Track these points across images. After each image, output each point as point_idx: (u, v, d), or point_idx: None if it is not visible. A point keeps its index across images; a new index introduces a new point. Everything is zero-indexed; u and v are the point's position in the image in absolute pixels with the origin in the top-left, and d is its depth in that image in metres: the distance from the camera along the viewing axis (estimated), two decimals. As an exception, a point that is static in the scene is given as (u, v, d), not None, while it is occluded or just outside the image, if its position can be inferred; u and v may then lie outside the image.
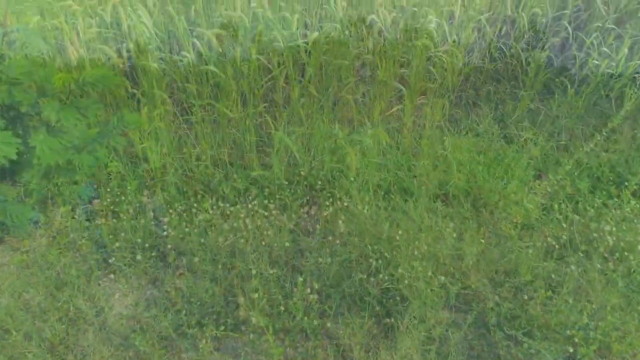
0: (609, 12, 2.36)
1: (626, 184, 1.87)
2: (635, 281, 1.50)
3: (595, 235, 1.63)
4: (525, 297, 1.44)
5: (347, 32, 2.10)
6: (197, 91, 2.02)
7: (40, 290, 1.56)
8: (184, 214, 1.77)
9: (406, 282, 1.44)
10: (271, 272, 1.50)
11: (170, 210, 1.76)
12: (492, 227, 1.71)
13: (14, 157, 1.39)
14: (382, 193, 1.82)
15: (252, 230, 1.65)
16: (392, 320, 1.44)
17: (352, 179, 1.80)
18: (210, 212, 1.74)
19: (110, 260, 1.63)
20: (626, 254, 1.56)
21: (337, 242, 1.59)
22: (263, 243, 1.62)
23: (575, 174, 1.91)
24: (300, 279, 1.45)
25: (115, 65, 2.06)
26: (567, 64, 2.50)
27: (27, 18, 1.94)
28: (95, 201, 1.87)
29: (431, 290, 1.44)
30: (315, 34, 2.01)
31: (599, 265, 1.51)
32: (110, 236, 1.69)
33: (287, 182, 1.85)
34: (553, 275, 1.50)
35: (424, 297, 1.43)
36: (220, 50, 1.94)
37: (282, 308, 1.45)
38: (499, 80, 2.48)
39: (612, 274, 1.50)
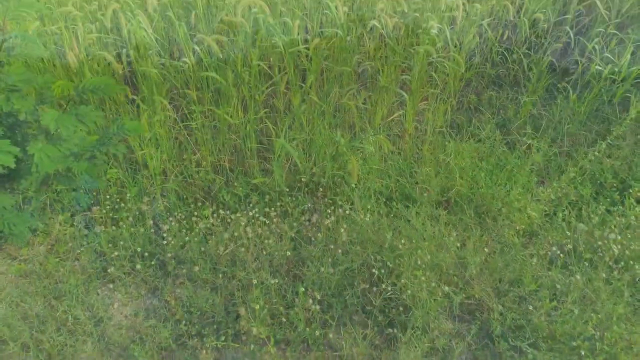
0: (610, 17, 2.35)
1: (630, 190, 1.85)
2: (641, 290, 1.48)
3: (599, 243, 1.61)
4: (530, 307, 1.42)
5: (348, 38, 2.09)
6: (198, 97, 2.01)
7: (38, 299, 1.54)
8: (184, 222, 1.75)
9: (409, 291, 1.43)
10: (272, 281, 1.48)
11: (170, 218, 1.75)
12: (495, 235, 1.69)
13: (12, 165, 1.38)
14: (384, 200, 1.80)
15: (253, 239, 1.63)
16: (395, 330, 1.42)
17: (353, 185, 1.78)
18: (211, 219, 1.72)
19: (109, 269, 1.61)
20: (631, 262, 1.55)
21: (339, 250, 1.58)
22: (264, 252, 1.61)
23: (579, 180, 1.89)
24: (302, 288, 1.44)
25: (115, 71, 2.05)
26: (569, 69, 2.49)
27: (27, 24, 1.93)
28: (95, 208, 1.85)
29: (434, 300, 1.42)
30: (317, 39, 1.99)
31: (604, 274, 1.49)
32: (110, 245, 1.68)
33: (288, 189, 1.84)
34: (558, 285, 1.48)
35: (427, 307, 1.41)
36: (221, 56, 1.93)
37: (284, 319, 1.43)
38: (501, 86, 2.47)
39: (617, 283, 1.49)
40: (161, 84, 2.01)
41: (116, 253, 1.63)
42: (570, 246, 1.62)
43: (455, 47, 2.17)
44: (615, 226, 1.68)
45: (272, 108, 2.14)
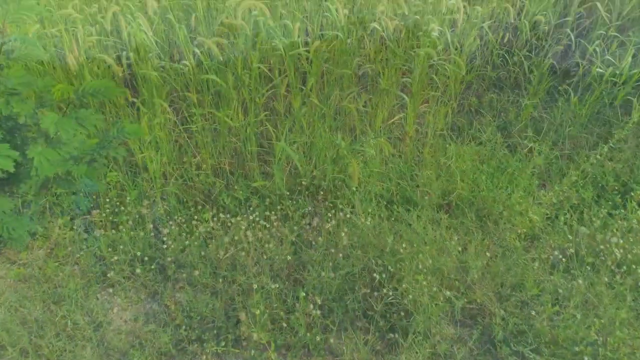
0: (611, 20, 2.35)
1: (632, 193, 1.84)
2: (644, 295, 1.48)
3: (601, 247, 1.61)
4: (532, 312, 1.41)
5: (349, 41, 2.09)
6: (198, 100, 2.00)
7: (37, 304, 1.53)
8: (184, 225, 1.74)
9: (410, 296, 1.42)
10: (273, 286, 1.48)
11: (170, 222, 1.74)
12: (497, 239, 1.68)
13: (12, 169, 1.37)
14: (385, 203, 1.80)
15: (253, 243, 1.62)
16: (396, 335, 1.41)
17: (354, 189, 1.77)
18: (211, 223, 1.71)
19: (108, 274, 1.60)
20: (634, 266, 1.54)
21: (340, 254, 1.57)
22: (264, 256, 1.60)
23: (580, 183, 1.89)
24: (303, 293, 1.43)
25: (115, 74, 2.04)
26: (570, 72, 2.48)
27: (27, 27, 1.92)
28: (94, 212, 1.84)
29: (436, 304, 1.41)
30: (317, 42, 1.99)
31: (606, 279, 1.48)
32: (109, 249, 1.67)
33: (288, 192, 1.83)
34: (560, 290, 1.47)
35: (428, 312, 1.40)
36: (221, 59, 1.93)
37: (285, 324, 1.42)
38: (502, 88, 2.47)
39: (619, 287, 1.48)
40: (161, 86, 2.01)
41: (116, 257, 1.62)
42: (572, 250, 1.61)
43: (455, 49, 2.16)
44: (617, 230, 1.67)
45: (273, 111, 2.13)
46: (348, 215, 1.70)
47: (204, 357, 1.38)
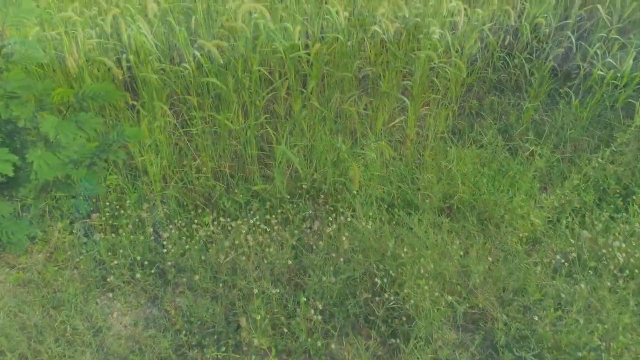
0: (612, 22, 2.34)
1: (633, 197, 1.84)
2: (646, 299, 1.47)
3: (604, 251, 1.60)
4: (535, 317, 1.40)
5: (349, 43, 2.08)
6: (198, 103, 2.00)
7: (36, 309, 1.52)
8: (184, 229, 1.73)
9: (412, 301, 1.41)
10: (274, 291, 1.47)
11: (170, 226, 1.73)
12: (499, 243, 1.67)
13: (11, 174, 1.36)
14: (386, 206, 1.79)
15: (254, 247, 1.62)
16: (398, 341, 1.41)
17: (355, 192, 1.77)
18: (211, 227, 1.70)
19: (108, 278, 1.59)
20: (636, 271, 1.53)
21: (341, 259, 1.56)
22: (265, 261, 1.59)
23: (582, 187, 1.88)
24: (304, 298, 1.42)
25: (115, 76, 2.04)
26: (570, 74, 2.48)
27: (27, 30, 1.91)
28: (94, 215, 1.83)
29: (437, 309, 1.41)
30: (318, 44, 1.98)
31: (608, 283, 1.48)
32: (109, 253, 1.66)
33: (289, 196, 1.82)
34: (562, 294, 1.46)
35: (430, 317, 1.39)
36: (221, 62, 1.92)
37: (285, 329, 1.41)
38: (502, 91, 2.46)
39: (622, 292, 1.47)
40: (161, 89, 2.00)
41: (115, 261, 1.61)
42: (574, 254, 1.60)
43: (456, 52, 2.16)
44: (619, 233, 1.67)
45: (273, 114, 2.13)
46: (349, 219, 1.69)
47: (204, 362, 1.37)
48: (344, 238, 1.60)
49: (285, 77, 2.04)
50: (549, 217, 1.77)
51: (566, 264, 1.59)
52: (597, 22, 2.40)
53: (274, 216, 1.74)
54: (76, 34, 2.02)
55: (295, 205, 1.80)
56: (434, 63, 2.06)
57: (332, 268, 1.54)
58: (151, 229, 1.73)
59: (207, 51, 1.98)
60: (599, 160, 1.91)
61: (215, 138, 2.01)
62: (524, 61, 2.39)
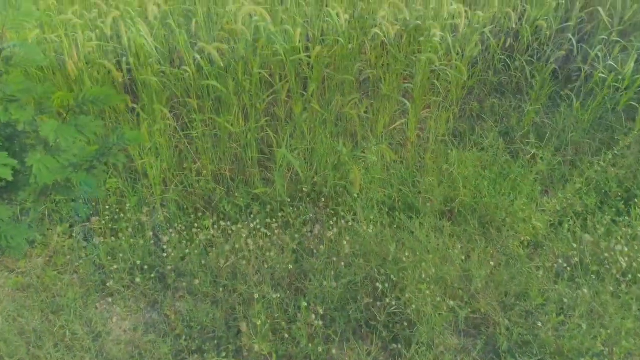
0: (613, 24, 2.34)
1: (635, 200, 1.83)
2: (649, 304, 1.46)
3: (606, 255, 1.59)
4: (540, 324, 1.39)
5: (350, 46, 2.08)
6: (198, 105, 1.99)
7: (35, 314, 1.51)
8: (184, 233, 1.73)
9: (413, 306, 1.40)
10: (274, 296, 1.46)
11: (170, 230, 1.72)
12: (500, 247, 1.67)
13: (10, 178, 1.35)
14: (387, 210, 1.78)
15: (254, 251, 1.61)
16: (399, 346, 1.40)
17: (355, 195, 1.76)
18: (212, 231, 1.70)
19: (108, 283, 1.58)
20: (639, 275, 1.52)
21: (342, 263, 1.55)
22: (266, 265, 1.58)
23: (584, 190, 1.87)
24: (304, 303, 1.41)
25: (115, 79, 2.03)
26: (571, 77, 2.47)
27: (27, 32, 1.91)
28: (94, 219, 1.83)
29: (439, 314, 1.40)
30: (318, 47, 1.98)
31: (611, 288, 1.47)
32: (109, 257, 1.65)
33: (289, 199, 1.82)
34: (565, 299, 1.46)
35: (432, 322, 1.38)
36: (222, 64, 1.92)
37: (286, 334, 1.40)
38: (503, 93, 2.46)
39: (625, 296, 1.46)
40: (161, 92, 1.99)
41: (115, 266, 1.61)
42: (576, 259, 1.59)
43: (457, 54, 2.15)
44: (621, 237, 1.66)
45: (273, 117, 2.12)
46: (350, 223, 1.68)
47: (205, 368, 1.36)
48: (345, 242, 1.59)
49: (286, 80, 2.03)
50: (550, 221, 1.77)
51: (568, 268, 1.58)
52: (598, 24, 2.40)
53: (274, 220, 1.73)
54: (76, 36, 2.02)
55: (295, 209, 1.79)
56: (435, 66, 2.05)
57: (333, 272, 1.53)
58: (151, 233, 1.72)
59: (207, 54, 1.97)
60: (601, 163, 1.90)
61: (216, 141, 2.00)
62: (524, 64, 2.38)
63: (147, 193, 1.89)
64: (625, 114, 2.21)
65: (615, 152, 1.91)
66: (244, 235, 1.63)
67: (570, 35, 2.36)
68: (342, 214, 1.73)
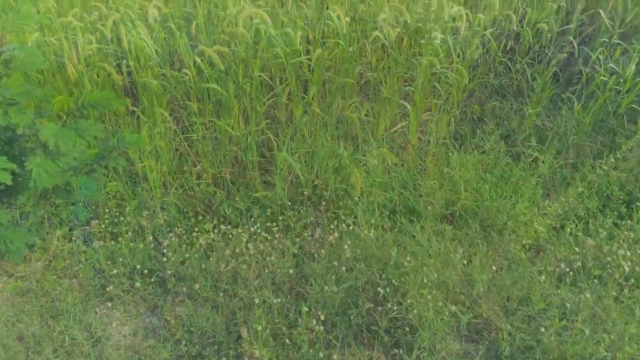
0: (614, 27, 2.34)
1: (637, 203, 1.82)
2: (652, 309, 1.45)
3: (608, 259, 1.58)
4: (542, 328, 1.38)
5: (350, 49, 2.07)
6: (198, 108, 1.98)
7: (35, 318, 1.50)
8: (184, 237, 1.72)
9: (415, 311, 1.39)
10: (275, 300, 1.45)
11: (170, 233, 1.71)
12: (502, 250, 1.66)
13: (9, 182, 1.34)
14: (388, 213, 1.77)
15: (255, 255, 1.60)
16: (401, 351, 1.39)
17: (356, 199, 1.75)
18: (212, 234, 1.69)
19: (107, 287, 1.57)
20: (642, 280, 1.52)
21: (343, 267, 1.54)
22: (266, 269, 1.57)
23: (586, 194, 1.86)
24: (305, 307, 1.40)
25: (115, 82, 2.03)
26: (573, 79, 2.47)
27: (26, 35, 1.90)
28: (94, 222, 1.82)
29: (441, 319, 1.39)
30: (319, 50, 1.97)
31: (614, 292, 1.46)
32: (108, 261, 1.64)
33: (290, 203, 1.81)
34: (567, 304, 1.45)
35: (433, 327, 1.37)
36: (222, 67, 1.91)
37: (287, 339, 1.39)
38: (504, 96, 2.45)
39: (628, 301, 1.45)
40: (162, 95, 1.99)
41: (115, 270, 1.60)
42: (579, 263, 1.58)
43: (458, 57, 2.15)
44: (623, 241, 1.65)
45: (274, 119, 2.11)
46: (351, 227, 1.67)
47: (205, 373, 1.35)
48: (345, 246, 1.58)
49: (286, 83, 2.03)
50: (552, 224, 1.76)
51: (570, 272, 1.57)
52: (598, 27, 2.39)
53: (275, 223, 1.72)
54: (76, 39, 2.01)
55: (296, 212, 1.78)
56: (436, 68, 2.05)
57: (334, 277, 1.52)
58: (151, 237, 1.71)
59: (207, 57, 1.97)
60: (603, 166, 1.89)
61: (216, 144, 1.99)
62: (525, 66, 2.38)
63: (147, 196, 1.89)
64: (627, 116, 2.21)
65: (617, 155, 1.90)
66: (245, 239, 1.63)
67: (571, 38, 2.35)
68: (343, 217, 1.72)
